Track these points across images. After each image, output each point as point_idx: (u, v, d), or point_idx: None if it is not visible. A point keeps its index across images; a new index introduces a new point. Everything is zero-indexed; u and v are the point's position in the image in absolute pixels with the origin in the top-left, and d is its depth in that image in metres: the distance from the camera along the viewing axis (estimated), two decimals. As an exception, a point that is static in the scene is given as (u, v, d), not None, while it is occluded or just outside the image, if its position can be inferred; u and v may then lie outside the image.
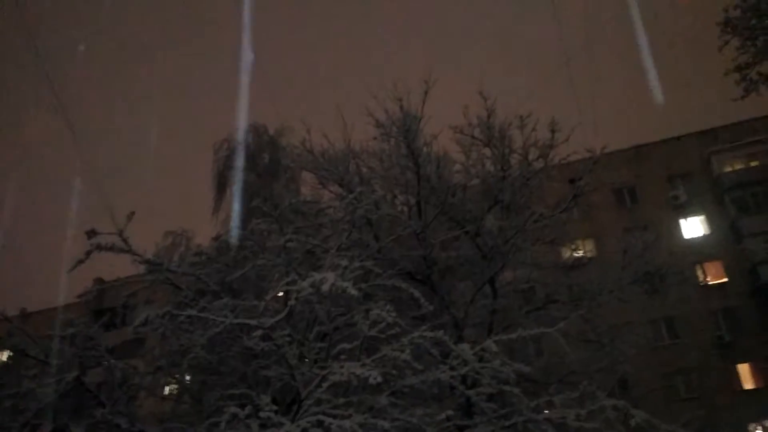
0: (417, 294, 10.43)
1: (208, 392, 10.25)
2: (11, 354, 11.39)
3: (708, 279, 28.93)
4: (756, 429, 24.82)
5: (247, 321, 8.62)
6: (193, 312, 8.86)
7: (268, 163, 17.98)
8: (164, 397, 11.66)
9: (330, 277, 7.93)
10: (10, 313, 11.56)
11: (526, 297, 16.50)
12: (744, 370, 26.60)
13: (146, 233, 12.50)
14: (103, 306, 20.85)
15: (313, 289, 8.12)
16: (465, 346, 9.27)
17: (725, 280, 28.57)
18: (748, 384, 26.34)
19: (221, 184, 18.32)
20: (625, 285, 15.84)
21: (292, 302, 8.73)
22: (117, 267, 12.17)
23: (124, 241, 9.50)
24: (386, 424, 7.75)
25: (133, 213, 9.35)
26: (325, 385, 8.12)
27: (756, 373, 26.37)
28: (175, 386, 12.20)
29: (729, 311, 27.77)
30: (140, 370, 10.81)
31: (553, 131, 14.11)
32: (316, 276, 8.03)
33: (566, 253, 20.39)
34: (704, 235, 29.71)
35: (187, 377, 11.83)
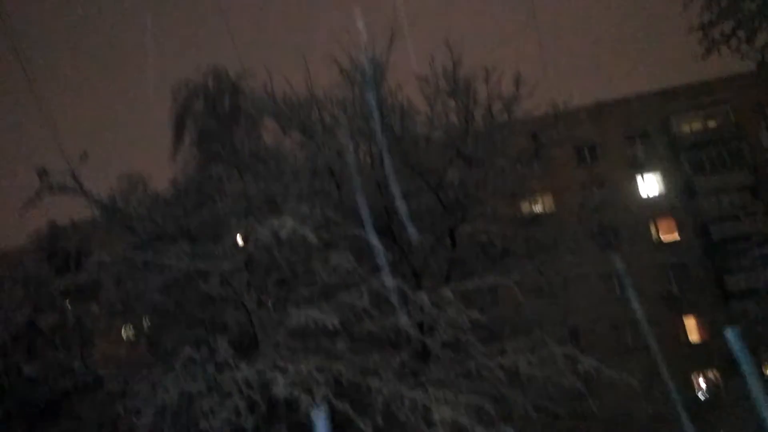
0: (376, 243, 10.47)
1: (164, 336, 10.19)
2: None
3: (661, 235, 29.76)
4: (698, 378, 25.99)
5: (204, 267, 8.55)
6: (150, 257, 8.74)
7: (228, 108, 17.55)
8: (120, 342, 11.58)
9: (289, 223, 7.88)
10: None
11: (484, 249, 16.73)
12: (690, 323, 27.69)
13: (101, 178, 12.19)
14: (57, 250, 20.44)
15: (272, 235, 8.07)
16: (422, 294, 9.38)
17: (677, 237, 29.43)
18: (694, 336, 27.46)
19: (179, 129, 17.81)
20: (581, 239, 16.17)
21: (250, 248, 8.67)
22: (72, 210, 11.90)
23: (77, 182, 9.25)
24: (342, 368, 7.85)
25: (86, 153, 9.09)
26: (282, 329, 8.17)
27: (701, 326, 27.48)
28: (132, 331, 12.12)
29: (679, 267, 28.68)
30: (95, 313, 10.68)
31: (517, 85, 14.08)
32: (275, 222, 7.96)
33: (525, 208, 20.67)
34: (660, 194, 30.41)
35: (144, 323, 11.76)
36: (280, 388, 7.06)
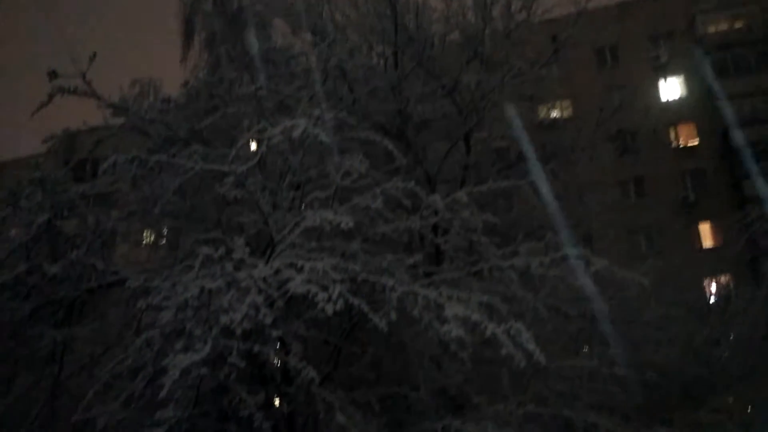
0: (391, 147, 10.40)
1: (182, 239, 10.38)
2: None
3: (680, 140, 29.33)
4: (711, 284, 26.31)
5: (218, 167, 8.57)
6: (163, 157, 8.76)
7: (237, 8, 17.11)
8: (139, 244, 11.83)
9: (301, 123, 7.80)
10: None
11: (500, 155, 16.62)
12: (705, 229, 27.78)
13: (112, 84, 12.08)
14: (73, 156, 20.60)
15: (284, 135, 8.01)
16: (436, 197, 9.40)
17: (697, 142, 29.01)
18: (708, 242, 27.63)
19: (189, 31, 17.51)
20: (598, 143, 15.95)
21: (263, 150, 8.65)
22: (86, 117, 11.90)
23: (87, 83, 9.15)
24: (357, 267, 7.98)
25: (95, 54, 8.94)
26: (298, 230, 8.26)
27: (716, 232, 27.56)
28: (150, 235, 12.35)
29: (697, 173, 28.47)
30: (114, 217, 10.84)
31: (538, -19, 13.53)
32: (287, 122, 7.89)
33: (543, 112, 20.31)
34: (681, 97, 29.72)
35: (162, 226, 11.96)
36: (297, 285, 7.20)
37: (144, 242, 12.37)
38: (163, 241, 12.35)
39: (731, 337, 17.07)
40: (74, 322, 9.83)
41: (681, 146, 28.92)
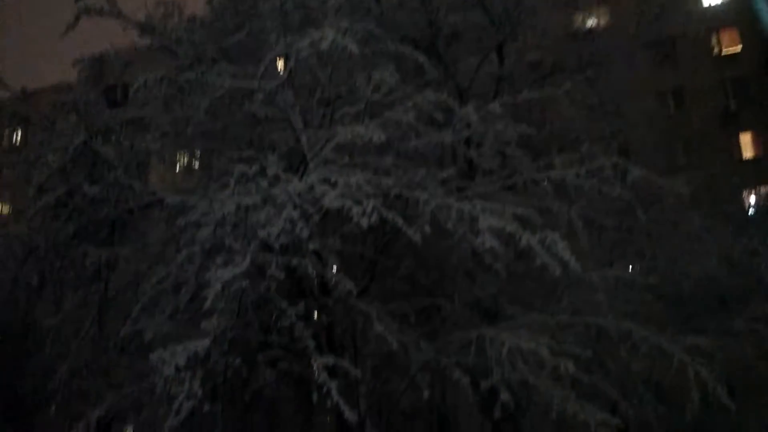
0: (421, 60, 10.15)
1: (215, 159, 10.46)
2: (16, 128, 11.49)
3: (722, 48, 28.07)
4: (750, 195, 25.75)
5: (247, 85, 8.50)
6: (192, 76, 8.71)
7: None
8: (174, 166, 11.97)
9: (329, 34, 7.63)
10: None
11: (534, 67, 16.12)
12: (746, 139, 26.92)
13: (137, 5, 11.93)
14: (104, 84, 20.68)
15: (313, 48, 7.86)
16: (469, 108, 9.22)
17: (739, 49, 27.73)
18: (748, 153, 26.83)
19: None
20: (636, 51, 15.34)
21: (292, 65, 8.52)
22: (113, 42, 11.84)
23: (112, 3, 9.04)
24: (390, 181, 7.98)
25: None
26: (330, 146, 8.24)
27: (757, 142, 26.72)
28: (184, 157, 12.47)
29: (739, 81, 27.34)
30: (148, 139, 10.93)
31: None
32: (315, 33, 7.72)
33: (579, 20, 19.52)
34: (723, 1, 28.22)
35: (196, 148, 12.03)
36: (332, 199, 7.25)
37: (179, 164, 12.51)
38: (197, 163, 12.47)
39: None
40: (117, 242, 10.10)
41: (723, 54, 27.71)
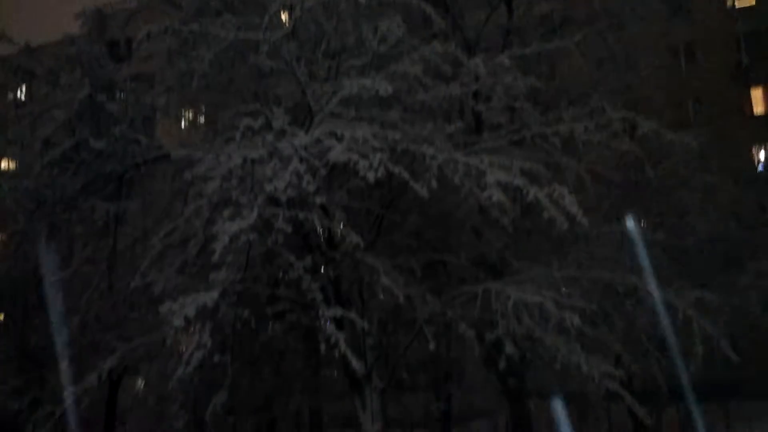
0: (429, 10, 9.95)
1: (221, 113, 10.38)
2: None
3: (735, 1, 27.42)
4: (760, 151, 25.49)
5: (251, 36, 8.38)
6: (196, 27, 8.58)
7: None
8: (179, 120, 11.91)
9: (335, -17, 7.47)
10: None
11: (543, 19, 15.80)
12: (757, 94, 26.50)
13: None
14: (107, 37, 20.45)
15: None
16: (478, 61, 9.08)
17: (754, 2, 27.09)
18: (759, 108, 26.45)
19: None
20: (648, 4, 14.99)
21: (296, 15, 8.38)
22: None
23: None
24: (397, 135, 7.92)
25: None
26: (336, 99, 8.16)
27: (768, 97, 26.33)
28: (189, 111, 12.39)
29: (752, 35, 26.77)
30: (153, 93, 10.86)
31: None
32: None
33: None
34: (740, -48, 27.45)
35: (201, 102, 11.94)
36: (338, 153, 7.21)
37: (184, 119, 12.44)
38: (203, 118, 12.40)
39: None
40: (124, 196, 10.14)
41: (736, 7, 27.08)
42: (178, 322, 6.94)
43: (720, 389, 20.32)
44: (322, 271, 8.45)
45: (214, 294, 6.92)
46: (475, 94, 10.04)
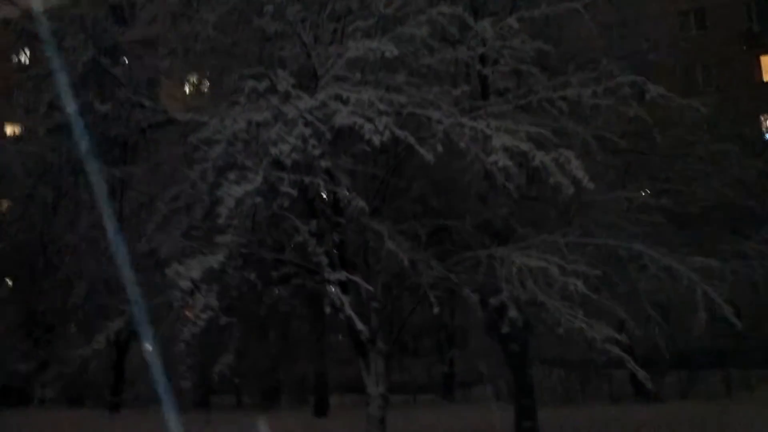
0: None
1: (225, 76, 10.31)
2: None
3: (748, -35, 26.93)
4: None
5: (256, -3, 8.29)
6: (200, -13, 8.49)
7: None
8: (184, 84, 11.84)
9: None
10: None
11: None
12: (766, 61, 26.18)
13: None
14: (110, 1, 20.22)
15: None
16: (485, 23, 8.97)
17: (767, -33, 26.57)
18: (768, 76, 26.18)
19: None
20: (660, -33, 14.72)
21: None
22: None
23: None
24: (403, 99, 7.87)
25: None
26: (341, 62, 8.09)
27: (779, 65, 26.02)
28: (194, 75, 12.29)
29: (763, 2, 26.33)
30: (157, 56, 10.78)
31: None
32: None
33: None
34: None
35: (205, 66, 11.85)
36: (343, 117, 7.17)
37: (188, 83, 12.36)
38: (207, 82, 12.32)
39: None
40: (130, 161, 10.14)
41: (748, -28, 26.64)
42: (185, 284, 7.00)
43: (722, 356, 20.49)
44: (328, 235, 8.48)
45: (220, 257, 6.96)
46: (482, 58, 9.92)
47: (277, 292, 8.85)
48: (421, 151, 7.65)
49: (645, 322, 11.22)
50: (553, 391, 19.83)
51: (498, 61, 9.77)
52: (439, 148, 7.82)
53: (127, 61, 10.77)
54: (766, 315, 18.00)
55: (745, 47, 25.94)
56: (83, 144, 9.46)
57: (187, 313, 8.00)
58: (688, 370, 21.46)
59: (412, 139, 7.58)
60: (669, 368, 19.56)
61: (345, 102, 7.43)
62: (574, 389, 20.98)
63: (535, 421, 13.14)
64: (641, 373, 8.31)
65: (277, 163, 7.15)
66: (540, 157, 7.52)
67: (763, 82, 25.82)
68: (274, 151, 6.95)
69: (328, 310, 7.67)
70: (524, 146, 7.63)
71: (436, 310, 8.63)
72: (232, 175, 7.15)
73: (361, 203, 7.74)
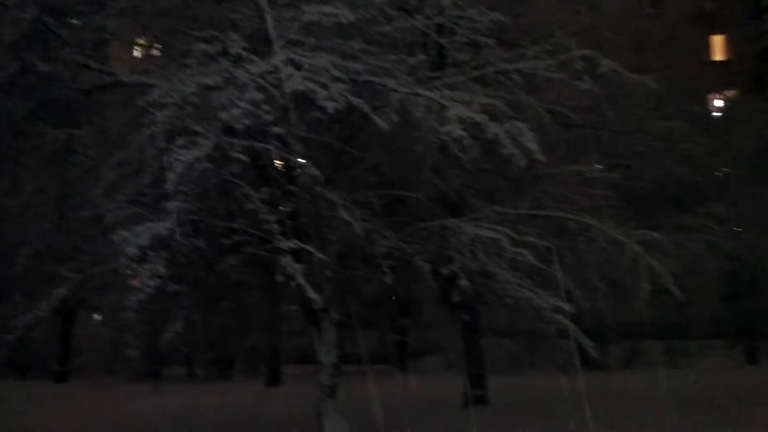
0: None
1: (176, 38, 10.00)
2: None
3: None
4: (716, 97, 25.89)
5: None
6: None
7: None
8: (132, 45, 11.44)
9: None
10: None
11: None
12: (717, 41, 26.80)
13: None
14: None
15: None
16: (442, -7, 8.90)
17: (720, -53, 27.08)
18: (718, 55, 26.81)
19: None
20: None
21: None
22: None
23: None
24: (358, 66, 7.79)
25: None
26: (296, 26, 7.92)
27: (729, 44, 26.64)
28: (143, 37, 11.89)
29: (717, -19, 26.89)
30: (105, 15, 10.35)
31: None
32: None
33: None
34: None
35: (156, 27, 11.47)
36: (297, 82, 7.04)
37: (138, 45, 11.94)
38: (157, 44, 11.93)
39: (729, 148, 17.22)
40: (75, 124, 9.80)
41: (703, -49, 27.08)
42: (132, 251, 6.85)
43: (665, 327, 21.27)
44: (280, 204, 8.39)
45: (168, 224, 6.82)
46: (440, 28, 9.89)
47: (228, 260, 8.73)
48: (376, 120, 7.61)
49: (592, 293, 11.54)
50: (502, 360, 20.32)
51: (455, 31, 9.74)
52: (395, 117, 7.79)
53: (73, 22, 10.29)
54: (707, 287, 18.68)
55: (697, 27, 26.47)
56: (25, 106, 9.08)
57: (134, 281, 7.85)
58: (633, 341, 22.25)
59: (367, 108, 7.53)
60: (614, 339, 20.24)
61: (299, 67, 7.30)
62: (522, 358, 21.53)
63: (485, 390, 13.45)
64: (586, 342, 8.55)
65: (228, 129, 7.01)
66: (493, 129, 7.57)
67: (712, 61, 26.49)
68: (224, 116, 6.80)
69: (280, 278, 7.62)
70: (478, 117, 7.66)
71: (388, 279, 8.67)
72: (181, 140, 6.97)
73: (315, 171, 7.68)
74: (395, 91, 7.85)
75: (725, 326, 21.87)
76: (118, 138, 9.27)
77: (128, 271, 7.41)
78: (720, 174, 18.07)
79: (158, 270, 6.92)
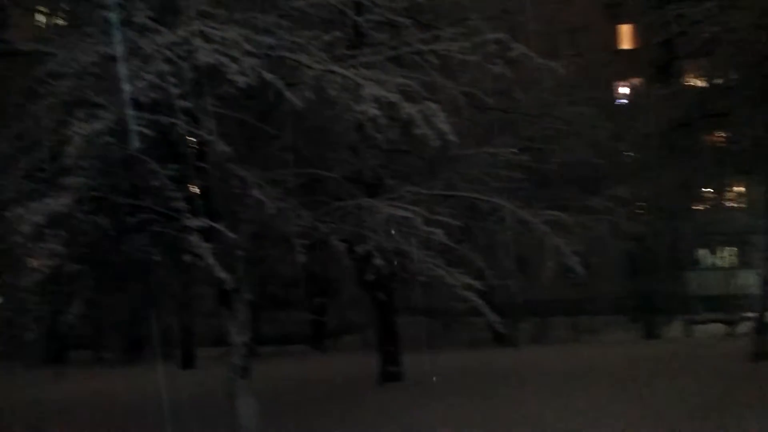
0: None
1: (79, 6, 9.44)
2: None
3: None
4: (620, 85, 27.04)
5: None
6: None
7: None
8: (33, 14, 10.74)
9: None
10: None
11: None
12: (625, 29, 27.91)
13: None
14: None
15: None
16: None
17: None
18: (625, 44, 27.96)
19: None
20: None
21: None
22: None
23: None
24: (272, 41, 7.61)
25: None
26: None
27: (635, 33, 27.80)
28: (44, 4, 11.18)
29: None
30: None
31: None
32: None
33: None
34: None
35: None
36: (206, 54, 6.79)
37: (38, 11, 11.22)
38: (59, 12, 11.25)
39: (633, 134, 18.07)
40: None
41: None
42: (27, 229, 6.47)
43: (571, 304, 22.25)
44: (189, 181, 8.13)
45: (67, 200, 6.48)
46: (358, 6, 9.82)
47: (134, 239, 8.41)
48: (290, 97, 7.47)
49: (502, 271, 11.91)
50: (416, 338, 20.68)
51: (372, 10, 9.70)
52: (310, 94, 7.67)
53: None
54: (610, 266, 19.65)
55: (606, 15, 27.49)
56: None
57: (32, 260, 7.43)
58: (541, 317, 23.16)
59: (280, 84, 7.37)
60: (524, 315, 20.99)
61: (209, 40, 7.04)
62: (437, 336, 21.98)
63: (399, 366, 13.67)
64: (495, 318, 8.81)
65: (134, 102, 6.70)
66: (408, 109, 7.59)
67: (619, 49, 27.60)
68: (127, 87, 6.49)
69: (188, 258, 7.41)
70: (393, 97, 7.65)
71: (301, 259, 8.60)
72: (81, 113, 6.61)
73: (225, 148, 7.47)
74: (310, 67, 7.71)
75: (627, 303, 23.09)
76: (14, 109, 8.69)
77: (24, 251, 7.00)
78: (624, 158, 18.95)
79: (56, 249, 6.58)
